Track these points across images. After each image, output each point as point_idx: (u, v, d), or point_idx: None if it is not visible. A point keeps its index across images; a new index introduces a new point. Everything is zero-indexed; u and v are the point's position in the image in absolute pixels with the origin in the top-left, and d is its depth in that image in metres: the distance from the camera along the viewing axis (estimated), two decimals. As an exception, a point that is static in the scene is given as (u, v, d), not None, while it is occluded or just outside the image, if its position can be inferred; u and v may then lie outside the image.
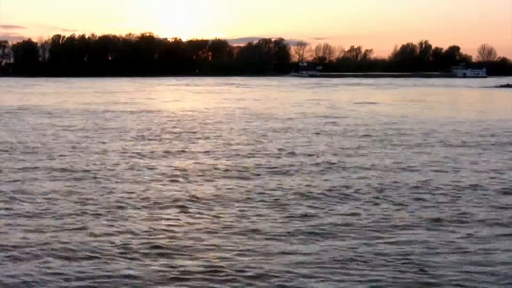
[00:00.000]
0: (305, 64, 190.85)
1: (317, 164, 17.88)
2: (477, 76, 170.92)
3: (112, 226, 11.12)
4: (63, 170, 16.97)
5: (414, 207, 12.56)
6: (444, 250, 9.66)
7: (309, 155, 19.92)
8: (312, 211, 12.18)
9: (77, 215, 11.91)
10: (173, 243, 10.01)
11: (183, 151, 20.85)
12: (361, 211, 12.22)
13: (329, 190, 14.18)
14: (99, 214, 11.95)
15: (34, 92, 73.96)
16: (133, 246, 9.86)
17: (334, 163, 18.06)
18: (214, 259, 9.19)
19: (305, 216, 11.76)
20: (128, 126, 30.39)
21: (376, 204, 12.85)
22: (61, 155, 19.84)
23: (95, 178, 15.78)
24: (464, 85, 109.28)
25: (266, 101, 54.79)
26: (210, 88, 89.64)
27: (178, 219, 11.60)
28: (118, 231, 10.72)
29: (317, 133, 26.79)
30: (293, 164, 17.80)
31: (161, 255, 9.46)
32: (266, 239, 10.25)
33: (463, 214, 11.93)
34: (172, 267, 8.88)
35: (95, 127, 29.71)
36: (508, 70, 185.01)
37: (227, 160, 18.87)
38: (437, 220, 11.49)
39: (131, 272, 8.68)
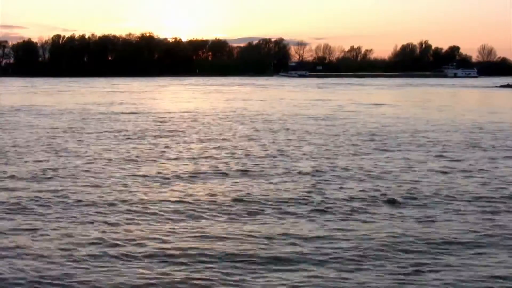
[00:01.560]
0: (294, 64, 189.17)
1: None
2: (468, 76, 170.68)
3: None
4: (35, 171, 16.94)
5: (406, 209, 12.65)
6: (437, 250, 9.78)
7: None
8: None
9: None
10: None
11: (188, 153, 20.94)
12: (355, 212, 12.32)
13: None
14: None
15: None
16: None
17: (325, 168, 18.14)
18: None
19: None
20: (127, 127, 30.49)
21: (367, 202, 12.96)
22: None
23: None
24: (463, 85, 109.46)
25: (254, 101, 54.90)
26: (211, 88, 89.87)
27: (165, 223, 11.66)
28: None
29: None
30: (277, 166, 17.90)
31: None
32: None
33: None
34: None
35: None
36: (502, 70, 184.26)
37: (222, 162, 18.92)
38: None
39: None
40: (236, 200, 13.12)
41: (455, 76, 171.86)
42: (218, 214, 11.93)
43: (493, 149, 21.40)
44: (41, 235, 10.56)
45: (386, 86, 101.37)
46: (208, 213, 12.00)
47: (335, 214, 11.98)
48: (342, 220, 11.54)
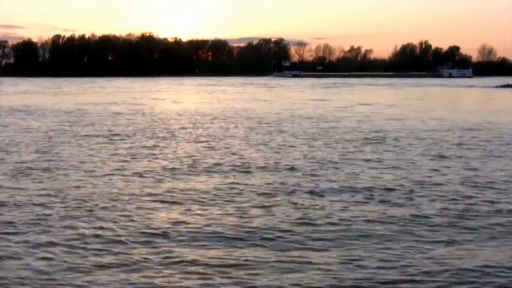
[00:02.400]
0: (287, 64, 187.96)
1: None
2: (463, 76, 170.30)
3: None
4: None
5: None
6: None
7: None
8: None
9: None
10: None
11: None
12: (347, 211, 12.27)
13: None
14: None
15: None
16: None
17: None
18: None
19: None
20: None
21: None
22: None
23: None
24: (462, 85, 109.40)
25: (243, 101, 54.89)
26: (212, 89, 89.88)
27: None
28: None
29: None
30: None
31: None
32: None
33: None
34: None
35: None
36: (502, 70, 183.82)
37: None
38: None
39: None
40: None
41: (450, 76, 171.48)
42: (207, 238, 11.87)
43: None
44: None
45: (386, 86, 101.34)
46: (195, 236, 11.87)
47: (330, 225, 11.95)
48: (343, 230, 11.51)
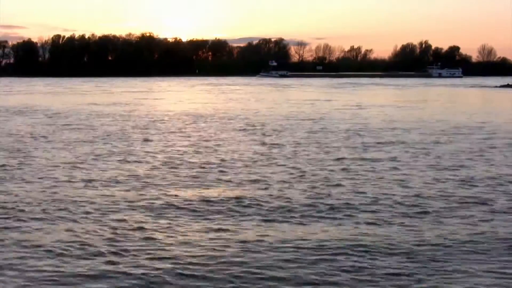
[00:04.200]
0: (274, 63, 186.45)
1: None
2: (452, 76, 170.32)
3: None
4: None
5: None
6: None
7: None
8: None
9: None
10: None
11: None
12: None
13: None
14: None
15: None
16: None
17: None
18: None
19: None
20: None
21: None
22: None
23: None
24: (462, 85, 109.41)
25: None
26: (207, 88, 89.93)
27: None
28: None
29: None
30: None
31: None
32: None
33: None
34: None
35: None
36: (502, 70, 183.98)
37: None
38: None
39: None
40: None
41: (440, 76, 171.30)
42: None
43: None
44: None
45: (375, 87, 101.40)
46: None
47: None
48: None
